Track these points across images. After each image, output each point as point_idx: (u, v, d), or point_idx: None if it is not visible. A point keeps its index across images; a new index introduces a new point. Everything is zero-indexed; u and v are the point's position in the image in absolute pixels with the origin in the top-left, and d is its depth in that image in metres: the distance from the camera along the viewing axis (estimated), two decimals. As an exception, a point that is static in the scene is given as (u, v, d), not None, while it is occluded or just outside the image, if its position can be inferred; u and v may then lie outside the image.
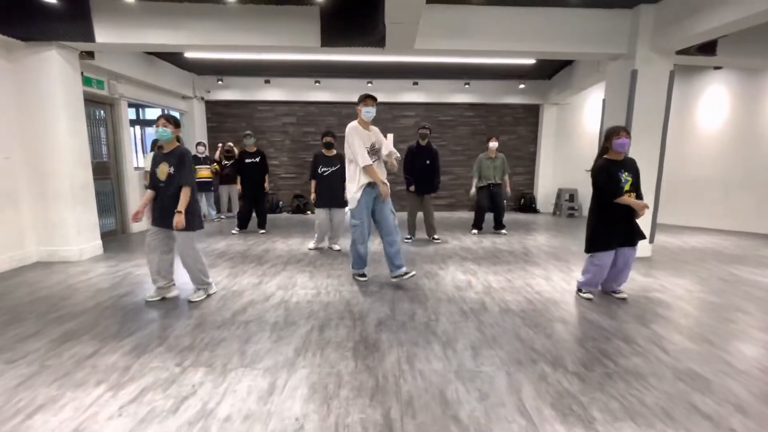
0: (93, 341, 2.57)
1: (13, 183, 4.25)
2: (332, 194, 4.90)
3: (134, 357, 2.36)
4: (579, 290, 3.40)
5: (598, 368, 2.24)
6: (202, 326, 2.80)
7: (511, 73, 7.94)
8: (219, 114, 8.61)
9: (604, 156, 3.18)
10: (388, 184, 3.58)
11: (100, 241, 4.88)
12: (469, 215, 7.98)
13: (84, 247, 4.60)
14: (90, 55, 4.84)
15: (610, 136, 3.11)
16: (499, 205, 6.24)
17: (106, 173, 5.90)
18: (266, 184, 6.18)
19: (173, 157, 3.07)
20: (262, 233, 6.24)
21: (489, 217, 6.45)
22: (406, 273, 3.59)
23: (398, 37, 4.11)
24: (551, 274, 4.08)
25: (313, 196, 5.08)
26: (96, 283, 3.77)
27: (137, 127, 8.97)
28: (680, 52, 4.51)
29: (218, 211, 7.89)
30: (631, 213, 3.13)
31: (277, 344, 2.53)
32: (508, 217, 8.09)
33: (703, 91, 6.76)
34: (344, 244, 5.44)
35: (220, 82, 8.08)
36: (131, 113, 8.92)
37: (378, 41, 4.32)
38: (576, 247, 5.39)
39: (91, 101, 5.51)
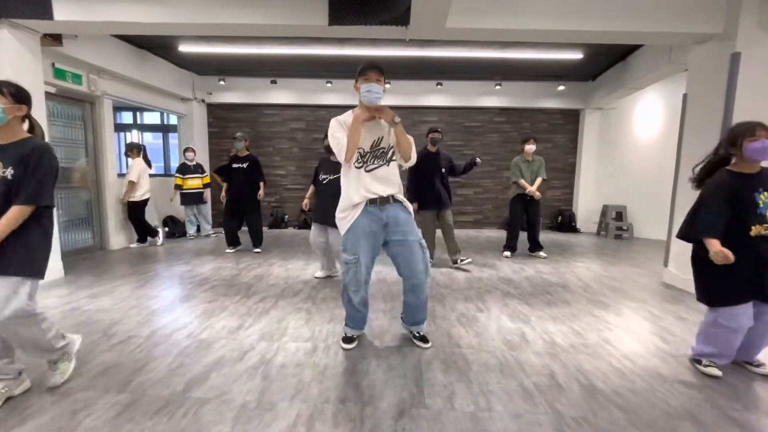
0: (-42, 436, 1.65)
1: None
2: (329, 208, 3.85)
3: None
4: (697, 361, 2.32)
5: None
6: (134, 408, 1.85)
7: (549, 73, 6.95)
8: (221, 118, 7.86)
9: (728, 167, 2.15)
10: (408, 205, 2.43)
11: (60, 262, 4.03)
12: (499, 234, 6.93)
13: None
14: (56, 39, 4.08)
15: (739, 138, 2.07)
16: (536, 220, 5.22)
17: (83, 181, 5.13)
18: (261, 193, 5.23)
19: (14, 153, 1.77)
20: (257, 252, 5.32)
21: (522, 237, 5.42)
22: (422, 340, 2.54)
23: (427, 10, 3.19)
24: (631, 323, 3.00)
25: (305, 202, 4.23)
26: None
27: (134, 131, 8.32)
28: (796, 31, 3.45)
29: (213, 226, 7.02)
30: None
31: (236, 454, 1.55)
32: (544, 236, 7.01)
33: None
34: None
35: (222, 83, 7.34)
36: (128, 117, 8.29)
37: (400, 18, 3.41)
38: (645, 278, 4.28)
39: (65, 98, 4.77)
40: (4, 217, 1.72)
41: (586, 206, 7.85)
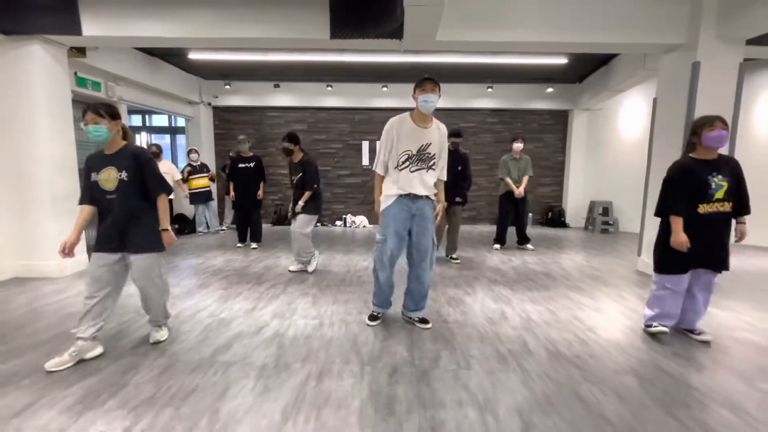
0: (33, 388, 2.02)
1: (-12, 190, 3.83)
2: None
3: (74, 415, 1.80)
4: (647, 326, 2.70)
5: (708, 457, 1.56)
6: (172, 369, 2.23)
7: (538, 76, 7.32)
8: (227, 121, 8.23)
9: (690, 154, 2.52)
10: (436, 203, 2.77)
11: (86, 255, 4.41)
12: (492, 230, 7.30)
13: (66, 262, 4.13)
14: (81, 52, 4.46)
15: (699, 128, 2.43)
16: (523, 215, 5.61)
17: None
18: (260, 192, 5.63)
19: (124, 159, 2.29)
20: (254, 248, 5.65)
21: (511, 231, 5.81)
22: (423, 321, 2.85)
23: (418, 25, 3.56)
24: (602, 305, 3.39)
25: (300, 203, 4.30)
26: (67, 305, 3.26)
27: (143, 134, 8.68)
28: (751, 42, 3.83)
29: (221, 222, 7.40)
30: (723, 230, 2.45)
31: (261, 399, 1.93)
32: (534, 231, 7.40)
33: (763, 91, 5.98)
34: (351, 263, 4.87)
35: (227, 87, 7.71)
36: (137, 119, 8.65)
37: (395, 31, 3.78)
38: (623, 268, 4.66)
39: (86, 104, 5.14)
40: (161, 206, 2.39)
41: (575, 202, 8.23)
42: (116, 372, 2.19)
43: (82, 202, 2.36)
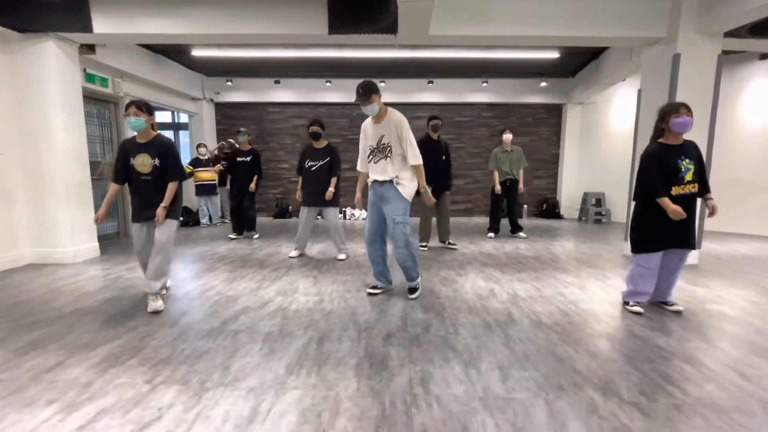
0: (60, 351, 2.24)
1: (5, 180, 4.05)
2: (321, 192, 4.37)
3: (100, 371, 2.01)
4: (626, 303, 2.91)
5: (662, 398, 1.77)
6: (185, 335, 2.44)
7: (531, 71, 7.51)
8: (228, 116, 8.44)
9: (659, 140, 2.71)
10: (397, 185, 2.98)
11: (96, 243, 4.63)
12: (487, 221, 7.50)
13: (79, 248, 4.35)
14: (90, 49, 4.66)
15: (666, 115, 2.62)
16: (514, 204, 5.80)
17: (109, 174, 5.70)
18: (252, 185, 5.70)
19: (156, 148, 2.83)
20: (256, 238, 5.86)
21: (505, 221, 6.02)
22: (411, 291, 3.17)
23: (411, 21, 3.76)
24: (586, 283, 3.60)
25: (299, 193, 4.58)
26: (83, 286, 3.48)
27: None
28: (729, 34, 4.03)
29: (222, 215, 7.62)
30: (692, 210, 2.65)
31: (267, 358, 2.15)
32: (529, 222, 7.61)
33: (748, 83, 6.18)
34: (351, 250, 5.08)
35: (229, 83, 7.91)
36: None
37: (390, 26, 3.98)
38: (609, 253, 4.87)
39: (94, 99, 5.35)
40: (169, 189, 2.83)
41: (569, 194, 8.43)
42: (134, 338, 2.40)
43: (116, 181, 2.91)
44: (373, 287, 3.23)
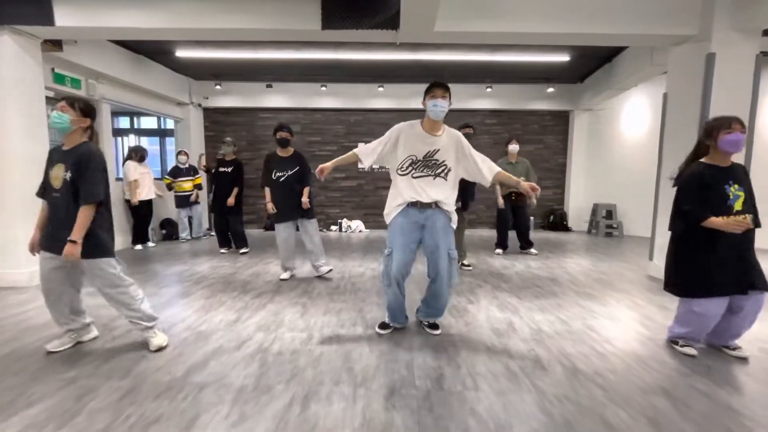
0: (-32, 418, 1.72)
1: (-49, 192, 3.54)
2: (293, 205, 3.87)
3: (10, 454, 1.50)
4: (673, 342, 2.43)
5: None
6: (136, 392, 1.94)
7: (538, 75, 7.12)
8: (218, 122, 7.97)
9: (702, 159, 2.26)
10: (451, 214, 2.49)
11: (59, 263, 4.10)
12: (491, 234, 7.04)
13: (36, 270, 3.81)
14: (57, 45, 4.18)
15: (714, 131, 2.16)
16: (523, 220, 5.35)
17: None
18: (230, 200, 5.20)
19: (72, 157, 2.12)
20: (243, 253, 5.39)
21: (513, 235, 5.55)
22: (432, 327, 2.70)
23: (415, 14, 3.33)
24: (615, 312, 3.12)
25: (270, 206, 3.95)
26: (30, 317, 2.96)
27: (132, 136, 8.41)
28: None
29: (210, 227, 7.10)
30: (746, 243, 2.18)
31: (235, 430, 1.64)
32: (536, 235, 7.15)
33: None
34: (346, 269, 4.59)
35: (218, 87, 7.46)
36: (125, 121, 8.38)
37: (390, 21, 3.55)
38: (632, 273, 4.40)
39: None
40: (79, 217, 2.08)
41: (577, 205, 8.01)
42: (69, 397, 1.89)
43: (38, 194, 2.27)
44: (386, 326, 2.70)
